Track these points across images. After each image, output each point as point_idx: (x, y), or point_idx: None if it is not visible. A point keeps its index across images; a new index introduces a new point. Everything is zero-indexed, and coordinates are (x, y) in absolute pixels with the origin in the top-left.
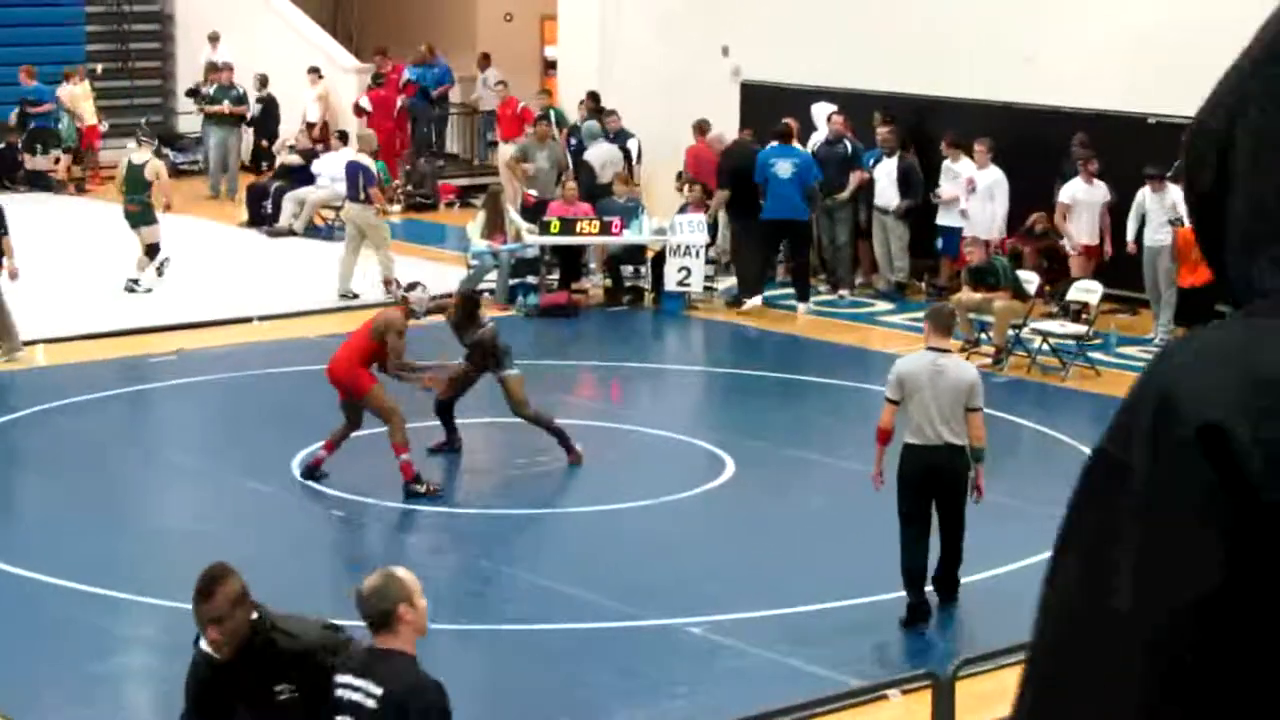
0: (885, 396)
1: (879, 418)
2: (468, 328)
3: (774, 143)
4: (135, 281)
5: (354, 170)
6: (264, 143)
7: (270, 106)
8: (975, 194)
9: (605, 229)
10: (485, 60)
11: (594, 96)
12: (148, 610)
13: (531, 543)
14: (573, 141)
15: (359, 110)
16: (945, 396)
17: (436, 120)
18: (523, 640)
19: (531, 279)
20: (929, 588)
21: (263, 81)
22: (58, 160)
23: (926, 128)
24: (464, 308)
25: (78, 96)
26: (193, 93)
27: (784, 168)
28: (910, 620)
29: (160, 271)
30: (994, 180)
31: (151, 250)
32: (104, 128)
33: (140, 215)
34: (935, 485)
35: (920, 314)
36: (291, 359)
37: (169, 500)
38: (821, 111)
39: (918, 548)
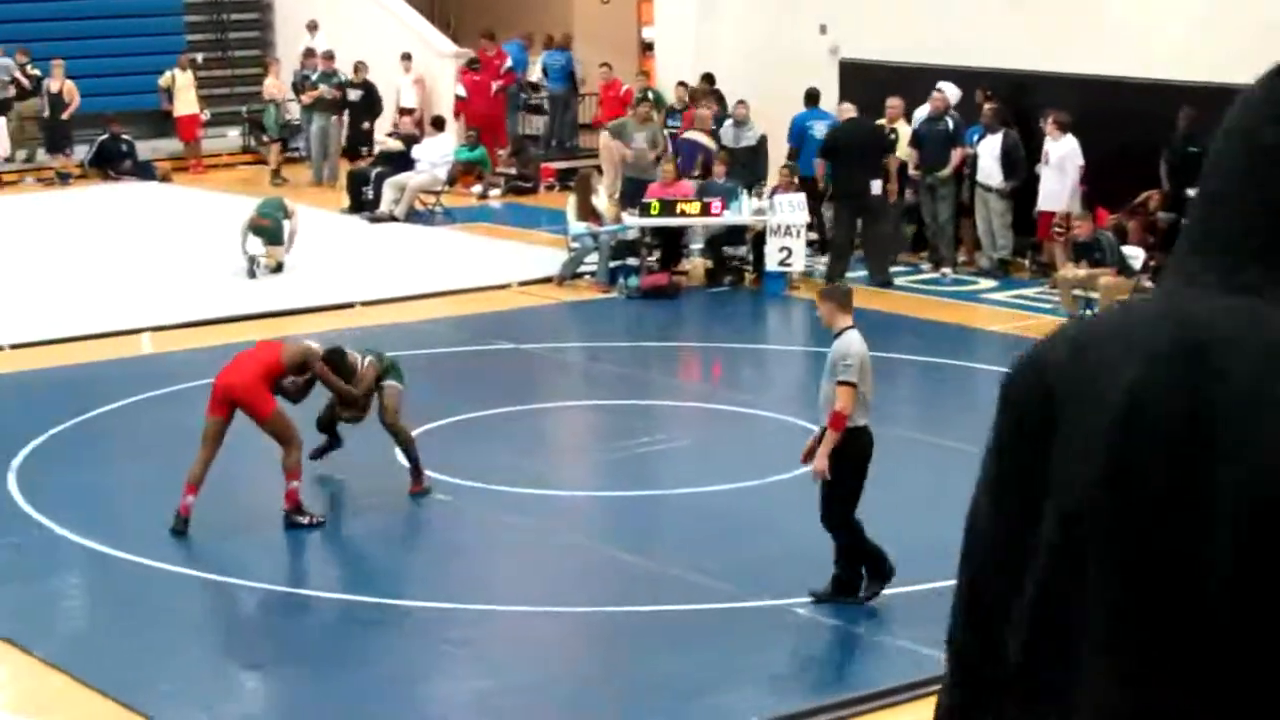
0: (846, 380)
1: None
2: (352, 381)
3: (807, 106)
4: (255, 265)
5: None
6: (364, 125)
7: (368, 92)
8: (1048, 166)
9: (705, 210)
10: (550, 41)
11: (709, 78)
12: (253, 595)
13: (636, 524)
14: (668, 122)
15: (459, 99)
16: (871, 372)
17: (562, 106)
18: (630, 623)
19: (632, 260)
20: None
21: (360, 67)
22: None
23: (1028, 103)
24: (336, 368)
25: (179, 85)
26: (298, 85)
27: (820, 129)
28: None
29: (253, 273)
30: (1066, 152)
31: (279, 267)
32: (206, 116)
33: (270, 231)
34: (869, 460)
35: (1024, 291)
36: (393, 344)
37: (272, 487)
38: (947, 91)
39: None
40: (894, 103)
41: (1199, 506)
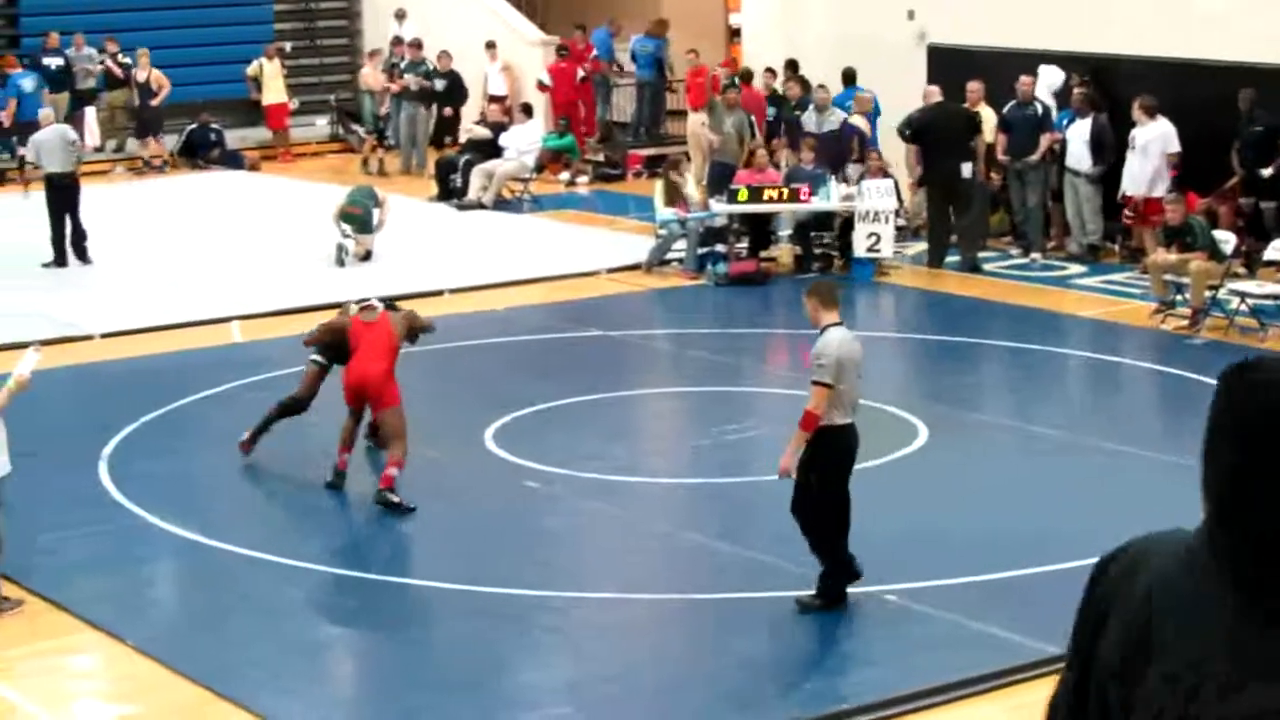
0: (821, 381)
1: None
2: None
3: (844, 86)
4: (344, 253)
5: None
6: (447, 110)
7: (454, 81)
8: (1133, 151)
9: (793, 196)
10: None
11: (793, 65)
12: (343, 581)
13: (726, 511)
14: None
15: (541, 86)
16: (858, 370)
17: (650, 93)
18: (719, 610)
19: (720, 247)
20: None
21: (444, 56)
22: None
23: (1118, 88)
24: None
25: (267, 74)
26: (386, 74)
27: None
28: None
29: (341, 261)
30: (1153, 137)
31: (367, 255)
32: (294, 105)
33: (360, 220)
34: (853, 463)
35: (1114, 276)
36: (480, 332)
37: (362, 476)
38: (1048, 75)
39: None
40: (974, 86)
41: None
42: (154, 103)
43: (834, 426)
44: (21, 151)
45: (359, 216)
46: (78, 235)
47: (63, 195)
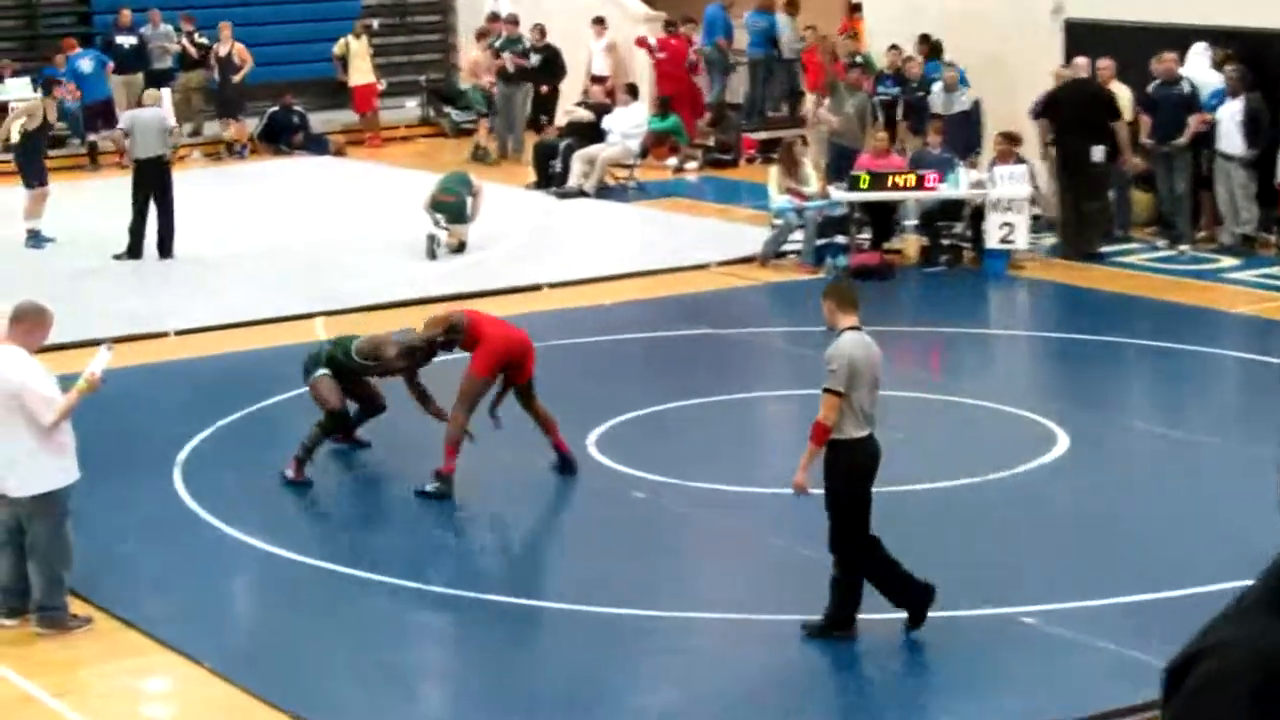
0: (830, 388)
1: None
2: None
3: (927, 59)
4: (436, 244)
5: None
6: (543, 88)
7: (551, 58)
8: None
9: (919, 183)
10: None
11: (926, 39)
12: (433, 598)
13: None
14: (879, 89)
15: (641, 42)
16: (876, 378)
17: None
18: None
19: (840, 238)
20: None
21: (542, 32)
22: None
23: (1271, 66)
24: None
25: (354, 53)
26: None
27: (937, 85)
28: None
29: (433, 253)
30: None
31: (461, 247)
32: (382, 86)
33: (453, 209)
34: (873, 476)
35: (1271, 270)
36: (582, 329)
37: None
38: (1200, 53)
39: (880, 548)
40: (1104, 64)
41: None
42: (235, 79)
43: (847, 440)
44: (94, 136)
45: (452, 205)
46: (164, 229)
47: (151, 183)
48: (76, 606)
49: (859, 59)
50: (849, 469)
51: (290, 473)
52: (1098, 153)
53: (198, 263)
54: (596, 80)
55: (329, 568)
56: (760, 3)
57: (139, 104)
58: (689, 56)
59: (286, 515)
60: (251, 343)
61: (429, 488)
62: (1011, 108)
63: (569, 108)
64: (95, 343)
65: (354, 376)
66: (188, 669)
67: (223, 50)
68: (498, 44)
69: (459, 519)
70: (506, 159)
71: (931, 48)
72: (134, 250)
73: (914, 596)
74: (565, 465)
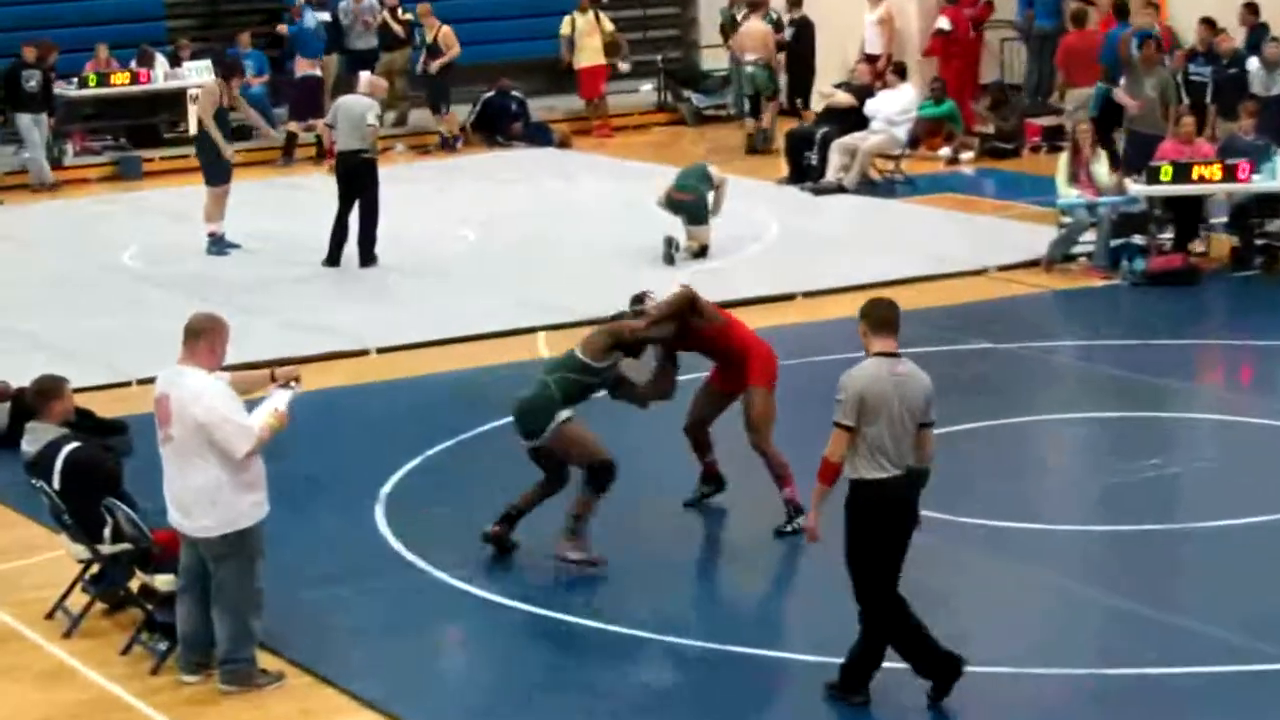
0: (838, 422)
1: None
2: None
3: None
4: (674, 248)
5: None
6: (799, 73)
7: (803, 30)
8: None
9: (1229, 174)
10: None
11: (1253, 8)
12: (682, 653)
13: (1142, 566)
14: (1191, 67)
15: (938, 35)
16: (908, 413)
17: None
18: (1134, 688)
19: (1138, 239)
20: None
21: (795, 2)
22: None
23: None
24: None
25: (580, 31)
26: (724, 28)
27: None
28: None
29: (670, 258)
30: None
31: (702, 251)
32: (625, 67)
33: (692, 207)
34: (900, 527)
35: None
36: (840, 344)
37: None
38: None
39: (904, 608)
40: None
41: None
42: (434, 67)
43: (862, 481)
44: (294, 126)
45: (690, 204)
46: (366, 232)
47: (350, 179)
48: (266, 661)
49: (1154, 32)
50: (862, 514)
51: (572, 554)
52: None
53: (401, 271)
54: (869, 60)
55: (556, 617)
56: None
57: (343, 89)
58: (969, 23)
59: (505, 557)
60: (463, 361)
61: (790, 526)
62: None
63: (826, 90)
64: (284, 362)
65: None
66: None
67: (428, 34)
68: (739, 17)
69: (710, 557)
70: (757, 151)
71: (1258, 19)
72: (331, 257)
73: (940, 667)
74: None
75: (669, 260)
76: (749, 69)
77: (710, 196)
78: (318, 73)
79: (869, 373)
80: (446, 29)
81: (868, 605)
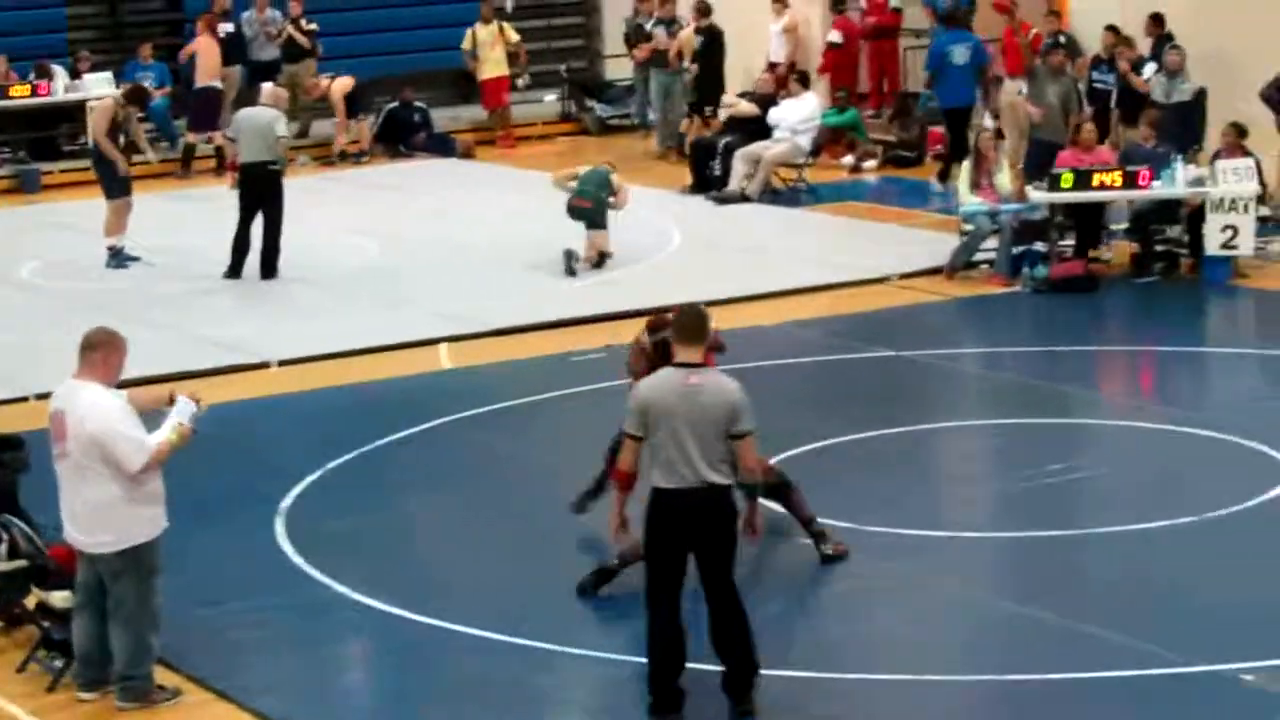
0: (624, 431)
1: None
2: None
3: (943, 27)
4: (573, 260)
5: None
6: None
7: (714, 39)
8: None
9: (1130, 181)
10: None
11: (1158, 19)
12: (580, 664)
13: (1043, 572)
14: (1094, 75)
15: (830, 49)
16: (704, 424)
17: None
18: (1034, 694)
19: (1039, 246)
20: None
21: (704, 10)
22: None
23: None
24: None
25: (482, 41)
26: (629, 37)
27: (961, 54)
28: (660, 711)
29: (571, 269)
30: None
31: (601, 259)
32: (522, 83)
33: (592, 214)
34: (695, 539)
35: None
36: (745, 353)
37: (574, 537)
38: None
39: (673, 625)
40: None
41: None
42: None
43: (654, 489)
44: (193, 138)
45: (589, 211)
46: (269, 245)
47: (254, 191)
48: (164, 677)
49: (1061, 39)
50: (647, 520)
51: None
52: None
53: (303, 283)
54: (771, 68)
55: (457, 629)
56: None
57: (245, 101)
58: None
59: (405, 570)
60: (365, 374)
61: (829, 549)
62: (1236, 97)
63: (729, 99)
64: (187, 376)
65: None
66: None
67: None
68: (648, 26)
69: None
70: (666, 159)
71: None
72: (233, 269)
73: (670, 694)
74: None
75: (570, 272)
76: (687, 75)
77: (610, 202)
78: (217, 84)
79: (656, 383)
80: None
81: (648, 602)
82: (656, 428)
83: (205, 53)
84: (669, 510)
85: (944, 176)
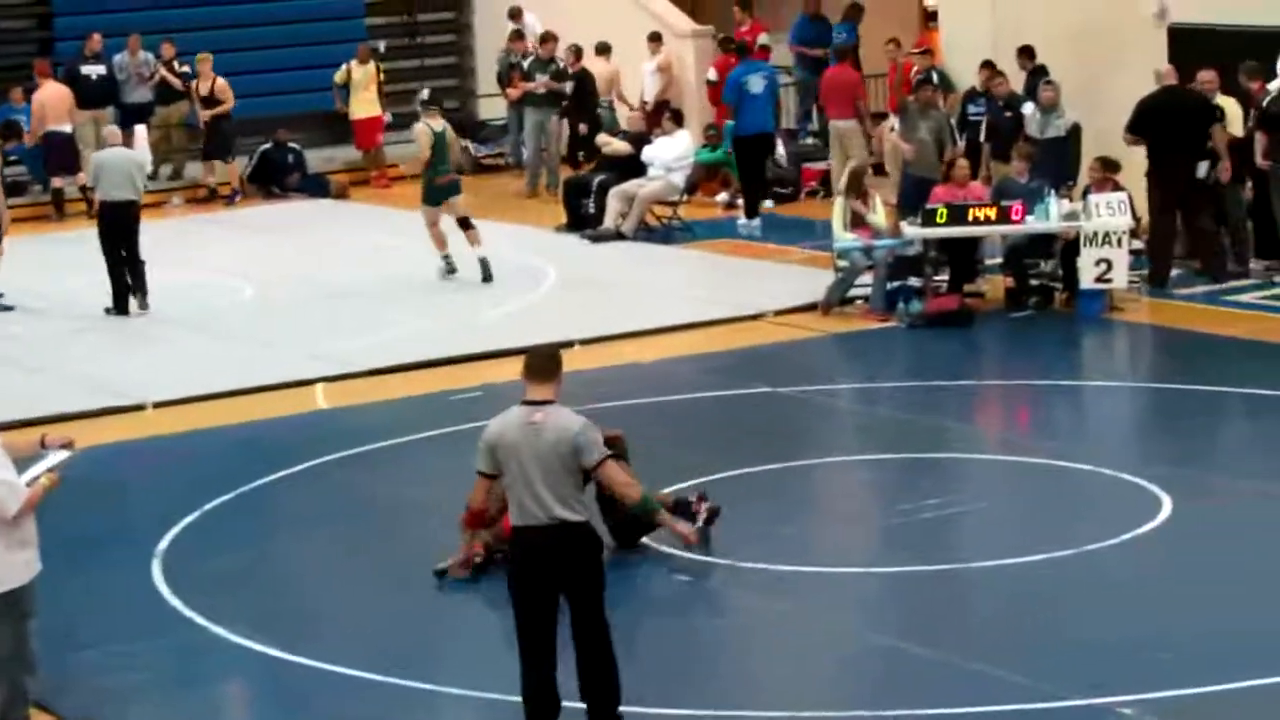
0: (476, 469)
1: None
2: None
3: (739, 59)
4: (450, 262)
5: None
6: (582, 127)
7: (584, 84)
8: None
9: (1003, 216)
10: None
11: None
12: (470, 705)
13: (922, 607)
14: (969, 107)
15: (712, 87)
16: (549, 460)
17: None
18: None
19: (914, 281)
20: None
21: (577, 54)
22: None
23: None
24: None
25: (357, 82)
26: (503, 75)
27: (757, 84)
28: None
29: (452, 268)
30: None
31: (465, 222)
32: (388, 118)
33: (456, 186)
34: (557, 578)
35: None
36: (620, 391)
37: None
38: None
39: (542, 669)
40: (1206, 76)
41: None
42: (205, 115)
43: (513, 527)
44: (59, 182)
45: (454, 184)
46: (135, 282)
47: (119, 228)
48: None
49: (934, 75)
50: (510, 561)
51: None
52: (1202, 169)
53: (178, 324)
54: (643, 107)
55: (340, 671)
56: (846, 13)
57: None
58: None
59: (283, 611)
60: (241, 415)
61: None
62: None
63: (603, 138)
64: (62, 419)
65: None
66: None
67: (204, 87)
68: (526, 65)
69: (491, 614)
70: (536, 196)
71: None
72: (120, 307)
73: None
74: None
75: (450, 270)
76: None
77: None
78: (66, 129)
79: (500, 422)
80: (222, 81)
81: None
82: (506, 466)
83: (53, 97)
84: (529, 547)
85: (751, 211)
